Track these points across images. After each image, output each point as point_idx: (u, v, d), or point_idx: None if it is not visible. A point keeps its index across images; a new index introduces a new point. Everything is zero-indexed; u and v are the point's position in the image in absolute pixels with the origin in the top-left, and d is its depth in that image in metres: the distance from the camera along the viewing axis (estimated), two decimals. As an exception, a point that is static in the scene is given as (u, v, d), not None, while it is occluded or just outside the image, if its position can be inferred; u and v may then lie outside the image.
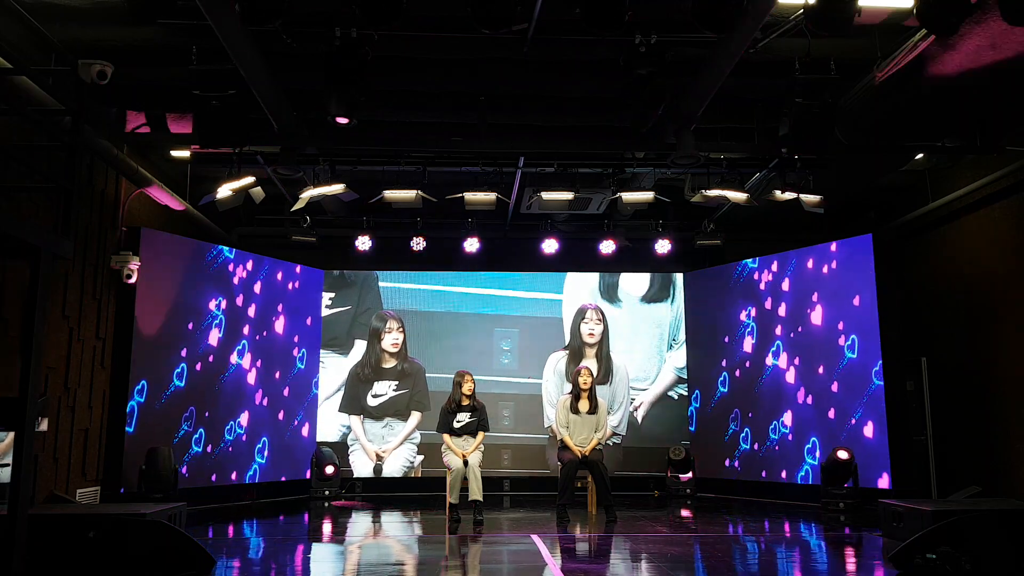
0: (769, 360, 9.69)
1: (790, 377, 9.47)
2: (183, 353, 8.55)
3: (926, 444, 8.96)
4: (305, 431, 10.06)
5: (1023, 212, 7.78)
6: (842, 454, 8.32)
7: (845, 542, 6.79)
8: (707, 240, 9.75)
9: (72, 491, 7.02)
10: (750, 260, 10.13)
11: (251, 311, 9.45)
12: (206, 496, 8.73)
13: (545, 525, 7.46)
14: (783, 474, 9.31)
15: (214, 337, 8.93)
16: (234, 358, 9.16)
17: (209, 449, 8.78)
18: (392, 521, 8.18)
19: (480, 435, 7.58)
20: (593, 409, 7.78)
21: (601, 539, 6.84)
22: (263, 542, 6.85)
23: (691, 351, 10.64)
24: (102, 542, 4.89)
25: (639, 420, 10.26)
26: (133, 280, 7.78)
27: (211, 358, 8.87)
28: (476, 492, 7.33)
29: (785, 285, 9.66)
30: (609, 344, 10.52)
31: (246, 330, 9.35)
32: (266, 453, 9.49)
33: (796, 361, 9.43)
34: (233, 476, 9.04)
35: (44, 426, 6.48)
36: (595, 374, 8.12)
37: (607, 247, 9.86)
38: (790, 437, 9.37)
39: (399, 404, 10.13)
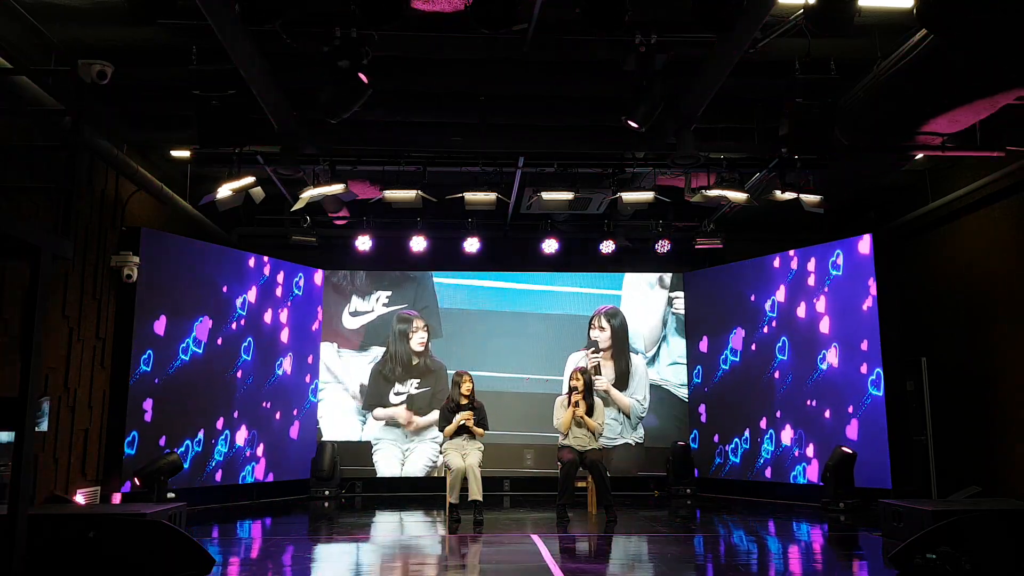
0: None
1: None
2: (180, 353, 8.57)
3: (926, 444, 8.95)
4: (306, 432, 10.07)
5: (1023, 212, 7.78)
6: (845, 450, 8.34)
7: (845, 542, 6.79)
8: (707, 240, 9.75)
9: (72, 491, 7.02)
10: (752, 259, 10.16)
11: (251, 313, 9.46)
12: (206, 496, 8.74)
13: (545, 525, 7.45)
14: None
15: (212, 339, 8.94)
16: (237, 354, 9.18)
17: (191, 448, 8.78)
18: (392, 521, 8.17)
19: (480, 433, 7.58)
20: (588, 410, 7.77)
21: (601, 539, 6.84)
22: (262, 542, 6.85)
23: (691, 351, 10.64)
24: (102, 542, 4.89)
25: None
26: (133, 280, 7.79)
27: (207, 355, 8.88)
28: (476, 492, 7.32)
29: (782, 287, 9.67)
30: (629, 345, 10.51)
31: (245, 332, 9.36)
32: (262, 458, 9.51)
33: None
34: (218, 477, 9.06)
35: (45, 409, 6.48)
36: (600, 375, 8.08)
37: (607, 247, 9.87)
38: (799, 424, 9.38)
39: (420, 402, 10.21)
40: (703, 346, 10.50)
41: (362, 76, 5.75)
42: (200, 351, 8.71)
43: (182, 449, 8.34)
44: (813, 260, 9.40)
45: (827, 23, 5.17)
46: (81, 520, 5.10)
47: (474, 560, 6.02)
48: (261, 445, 9.42)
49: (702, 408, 10.42)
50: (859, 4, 5.15)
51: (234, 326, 9.17)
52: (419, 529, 7.76)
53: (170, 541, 5.11)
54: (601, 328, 10.38)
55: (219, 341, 8.94)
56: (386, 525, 7.94)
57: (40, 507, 6.14)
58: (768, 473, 9.54)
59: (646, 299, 10.65)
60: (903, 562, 5.11)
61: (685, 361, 10.64)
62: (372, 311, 10.38)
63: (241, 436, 9.15)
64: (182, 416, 8.45)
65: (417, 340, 10.29)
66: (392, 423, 10.18)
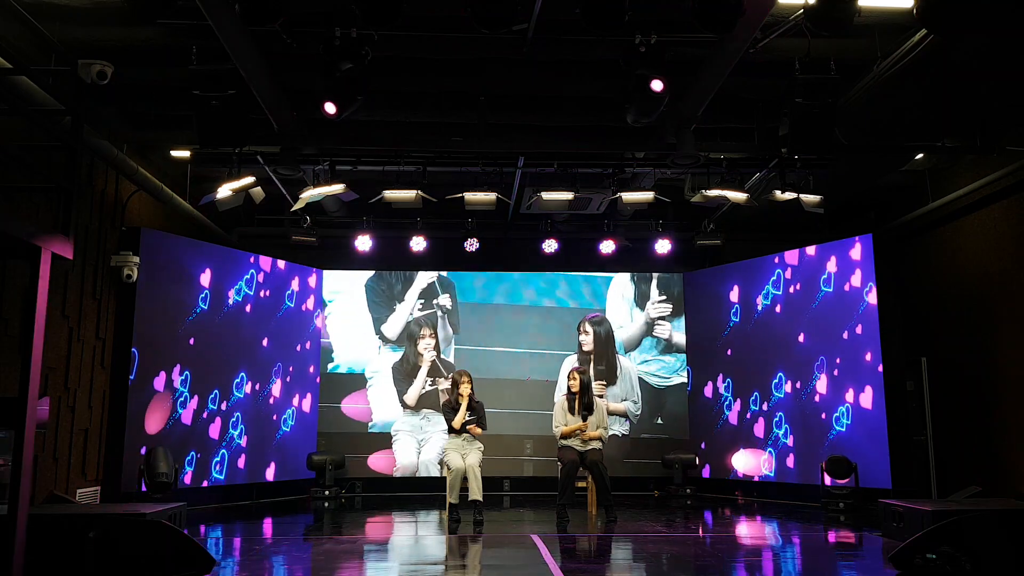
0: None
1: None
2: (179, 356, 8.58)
3: (926, 444, 8.95)
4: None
5: (1023, 212, 7.78)
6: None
7: (845, 542, 6.79)
8: (707, 240, 9.74)
9: (72, 491, 7.03)
10: (749, 260, 10.18)
11: (250, 313, 9.47)
12: (207, 496, 8.74)
13: (545, 525, 7.45)
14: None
15: (214, 339, 8.95)
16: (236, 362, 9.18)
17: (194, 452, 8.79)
18: (392, 521, 8.18)
19: (477, 433, 7.58)
20: (588, 408, 7.76)
21: (601, 539, 6.84)
22: (261, 542, 6.85)
23: (692, 347, 10.67)
24: (102, 542, 4.89)
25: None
26: (133, 280, 7.79)
27: (210, 358, 8.89)
28: (476, 492, 7.32)
29: (783, 285, 9.68)
30: (615, 347, 10.73)
31: (247, 333, 9.38)
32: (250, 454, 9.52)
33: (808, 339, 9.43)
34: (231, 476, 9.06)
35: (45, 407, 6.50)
36: (591, 376, 8.10)
37: (607, 247, 9.87)
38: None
39: (432, 398, 10.48)
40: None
41: (329, 107, 5.81)
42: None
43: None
44: (812, 260, 9.40)
45: (827, 23, 5.18)
46: (81, 520, 5.10)
47: (474, 560, 6.03)
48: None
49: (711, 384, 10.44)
50: (859, 4, 5.16)
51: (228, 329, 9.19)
52: (419, 529, 7.76)
53: (170, 541, 5.11)
54: (585, 332, 10.78)
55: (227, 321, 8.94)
56: (386, 525, 7.94)
57: (40, 507, 6.14)
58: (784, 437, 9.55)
59: (625, 310, 10.93)
60: (903, 562, 5.11)
61: (657, 354, 10.78)
62: (410, 314, 10.74)
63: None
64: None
65: (423, 345, 10.64)
66: (424, 401, 10.45)
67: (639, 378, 10.72)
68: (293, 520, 8.18)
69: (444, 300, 10.70)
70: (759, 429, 9.73)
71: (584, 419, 7.69)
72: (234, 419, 9.15)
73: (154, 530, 5.13)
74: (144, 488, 7.59)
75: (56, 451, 6.82)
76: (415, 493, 10.03)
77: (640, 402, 10.67)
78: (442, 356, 10.65)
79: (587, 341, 10.75)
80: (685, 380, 10.69)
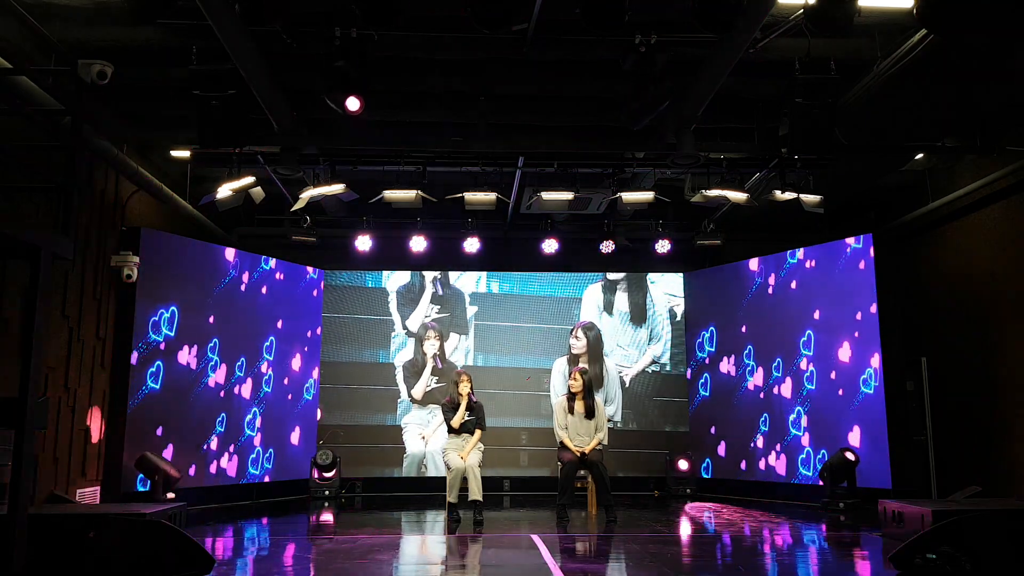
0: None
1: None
2: (179, 356, 8.58)
3: (926, 444, 8.94)
4: (297, 437, 10.10)
5: (1023, 212, 7.78)
6: (848, 456, 8.32)
7: (845, 542, 6.79)
8: (707, 240, 9.75)
9: (72, 491, 7.03)
10: (751, 260, 10.16)
11: (249, 313, 9.47)
12: (207, 496, 8.75)
13: (545, 525, 7.45)
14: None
15: (213, 340, 8.95)
16: (235, 361, 9.20)
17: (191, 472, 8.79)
18: (392, 521, 8.17)
19: (477, 433, 7.59)
20: (589, 411, 7.76)
21: (601, 539, 6.84)
22: (261, 542, 6.85)
23: (691, 349, 10.67)
24: (102, 542, 4.89)
25: (626, 383, 10.97)
26: (133, 280, 7.79)
27: (209, 361, 8.90)
28: (476, 492, 7.32)
29: (783, 284, 9.67)
30: (603, 350, 10.94)
31: (245, 334, 9.40)
32: (270, 458, 9.52)
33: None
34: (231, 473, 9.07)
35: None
36: (588, 377, 8.10)
37: (607, 247, 9.87)
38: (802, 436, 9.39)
39: (438, 395, 10.64)
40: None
41: (352, 102, 5.82)
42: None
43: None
44: (813, 260, 9.40)
45: (827, 23, 5.18)
46: (81, 520, 5.10)
47: (474, 560, 6.03)
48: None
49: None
50: (859, 4, 5.16)
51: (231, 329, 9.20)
52: (419, 529, 7.76)
53: (170, 541, 5.11)
54: (577, 338, 10.98)
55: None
56: (386, 525, 7.94)
57: (40, 507, 6.14)
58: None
59: (596, 318, 11.18)
60: (903, 562, 5.11)
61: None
62: (428, 316, 11.01)
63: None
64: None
65: (428, 345, 10.86)
66: (430, 396, 10.69)
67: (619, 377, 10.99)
68: (293, 520, 8.18)
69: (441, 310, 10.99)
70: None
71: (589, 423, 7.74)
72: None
73: (154, 530, 5.13)
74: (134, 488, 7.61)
75: (56, 451, 6.82)
76: (415, 493, 10.04)
77: (619, 408, 10.82)
78: (448, 358, 10.79)
79: (578, 346, 10.93)
80: (656, 368, 10.83)
